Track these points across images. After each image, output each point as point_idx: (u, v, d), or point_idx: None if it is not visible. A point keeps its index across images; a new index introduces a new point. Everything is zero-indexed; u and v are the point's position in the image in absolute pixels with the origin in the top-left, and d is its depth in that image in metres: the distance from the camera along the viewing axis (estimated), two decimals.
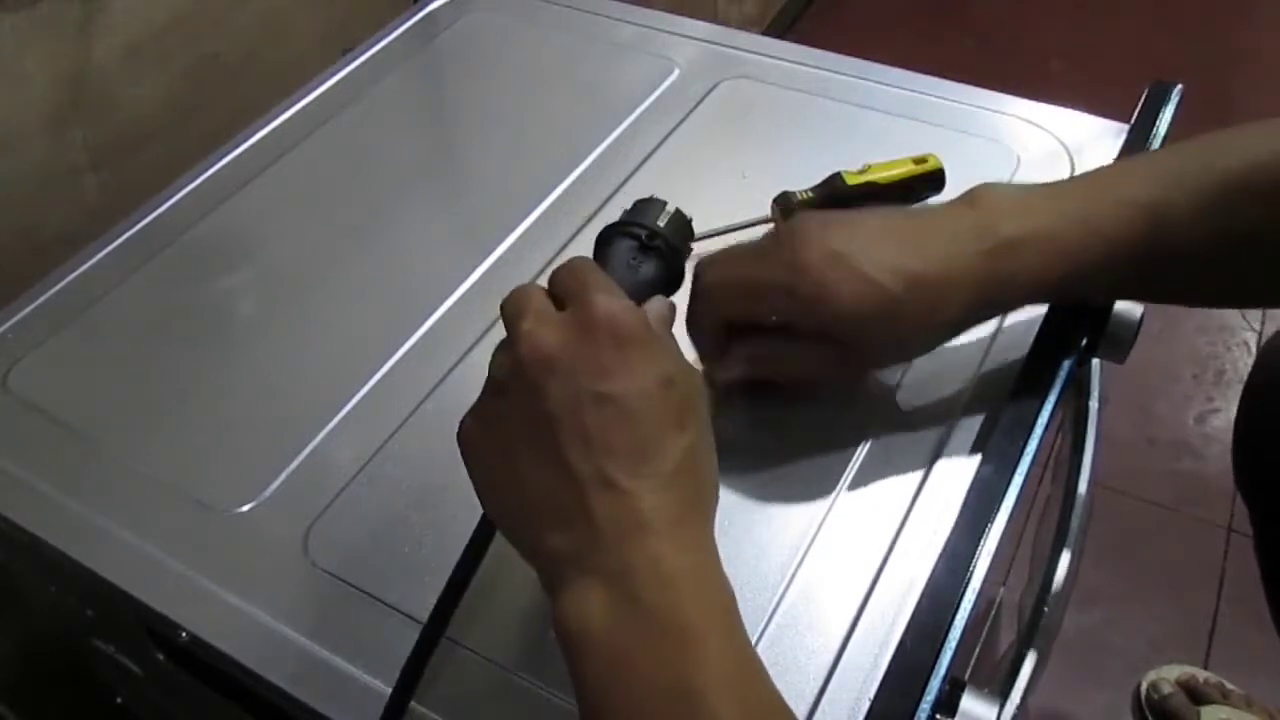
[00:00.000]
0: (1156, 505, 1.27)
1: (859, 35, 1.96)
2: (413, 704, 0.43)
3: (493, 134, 0.74)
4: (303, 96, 0.77)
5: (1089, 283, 0.48)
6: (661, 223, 0.47)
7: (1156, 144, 0.63)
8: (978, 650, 0.82)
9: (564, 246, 0.64)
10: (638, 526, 0.35)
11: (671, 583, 0.35)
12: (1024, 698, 0.51)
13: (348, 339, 0.60)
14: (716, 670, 0.34)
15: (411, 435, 0.54)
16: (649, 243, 0.46)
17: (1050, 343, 0.54)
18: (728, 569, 0.37)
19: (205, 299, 0.63)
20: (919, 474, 0.50)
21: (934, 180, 0.63)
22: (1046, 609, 0.56)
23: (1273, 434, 0.73)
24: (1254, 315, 1.49)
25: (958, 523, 0.47)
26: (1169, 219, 0.46)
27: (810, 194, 0.63)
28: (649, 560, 0.35)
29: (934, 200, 0.63)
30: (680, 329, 0.47)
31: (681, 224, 0.48)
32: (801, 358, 0.49)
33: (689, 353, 0.48)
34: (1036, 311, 0.57)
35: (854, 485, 0.50)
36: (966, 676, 0.45)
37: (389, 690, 0.42)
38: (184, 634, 0.47)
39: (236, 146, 0.73)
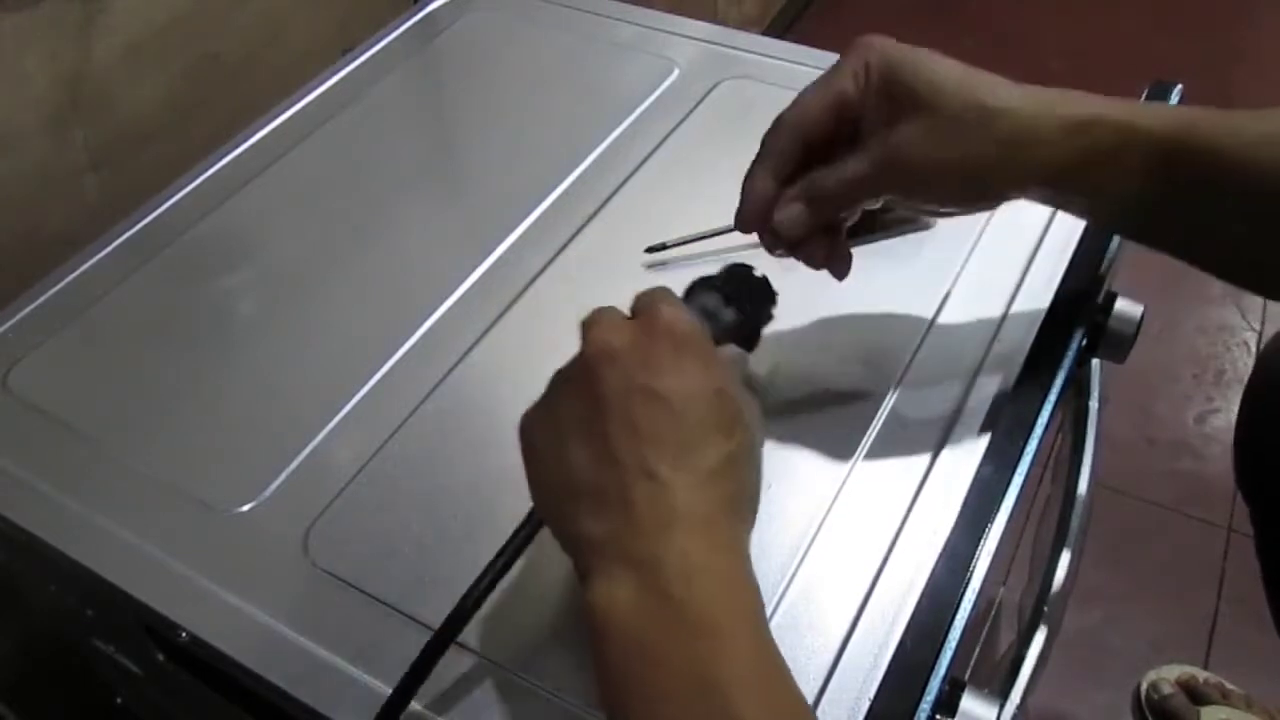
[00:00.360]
0: (1156, 505, 1.27)
1: (859, 35, 1.95)
2: (412, 704, 0.43)
3: (493, 134, 0.74)
4: (303, 96, 0.77)
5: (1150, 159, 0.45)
6: (746, 284, 0.49)
7: None
8: (978, 650, 0.82)
9: (564, 246, 0.64)
10: (671, 518, 0.36)
11: (698, 577, 0.36)
12: (1024, 698, 0.51)
13: (348, 339, 0.60)
14: (738, 666, 0.35)
15: (411, 435, 0.54)
16: (731, 296, 0.48)
17: (1050, 343, 0.55)
18: None
19: (205, 299, 0.63)
20: (919, 474, 0.50)
21: None
22: (1046, 609, 0.56)
23: (1274, 434, 0.73)
24: (1254, 315, 1.49)
25: (958, 523, 0.47)
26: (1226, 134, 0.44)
27: None
28: (678, 553, 0.36)
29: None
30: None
31: (766, 289, 0.50)
32: (858, 167, 0.47)
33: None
34: (1037, 309, 0.57)
35: (854, 485, 0.50)
36: (966, 676, 0.45)
37: (389, 690, 0.42)
38: (184, 634, 0.47)
39: (236, 146, 0.73)
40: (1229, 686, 1.06)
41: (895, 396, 0.54)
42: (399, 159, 0.73)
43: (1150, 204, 0.46)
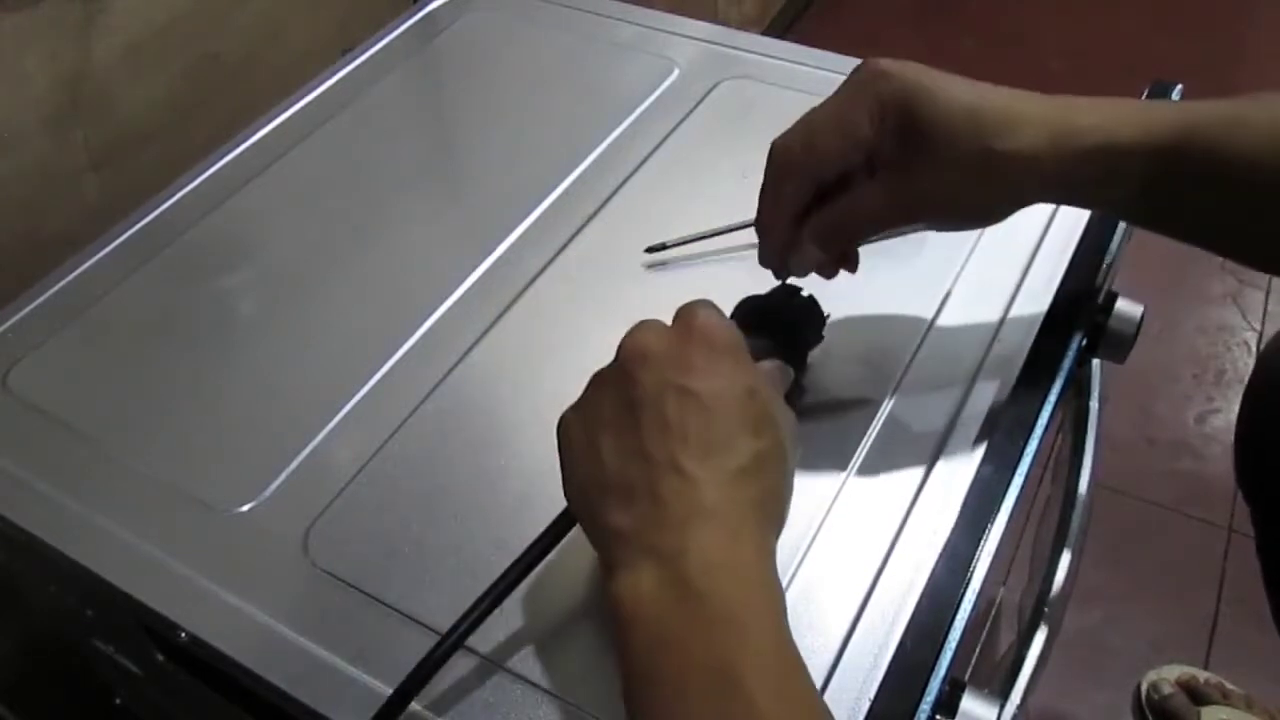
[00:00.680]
0: (1156, 505, 1.27)
1: (859, 35, 1.96)
2: (412, 704, 0.43)
3: (493, 134, 0.74)
4: (303, 96, 0.77)
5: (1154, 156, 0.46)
6: (793, 304, 0.50)
7: None
8: (978, 650, 0.82)
9: (564, 246, 0.64)
10: (696, 512, 0.37)
11: (720, 571, 0.36)
12: (1024, 698, 0.51)
13: (348, 339, 0.60)
14: (756, 657, 0.35)
15: (411, 435, 0.54)
16: (777, 317, 0.48)
17: (1050, 343, 0.55)
18: None
19: (205, 299, 0.63)
20: (919, 474, 0.50)
21: None
22: (1047, 609, 0.56)
23: (1274, 434, 0.73)
24: (1254, 315, 1.49)
25: (958, 523, 0.47)
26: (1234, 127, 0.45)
27: None
28: (701, 546, 0.37)
29: None
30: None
31: (814, 311, 0.51)
32: (873, 207, 0.48)
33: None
34: (1037, 310, 0.57)
35: (854, 485, 0.50)
36: (966, 676, 0.45)
37: (389, 691, 0.42)
38: (183, 634, 0.47)
39: (236, 146, 0.73)
40: (1229, 686, 1.06)
41: (895, 397, 0.54)
42: (399, 159, 0.73)
43: (1155, 203, 0.48)
